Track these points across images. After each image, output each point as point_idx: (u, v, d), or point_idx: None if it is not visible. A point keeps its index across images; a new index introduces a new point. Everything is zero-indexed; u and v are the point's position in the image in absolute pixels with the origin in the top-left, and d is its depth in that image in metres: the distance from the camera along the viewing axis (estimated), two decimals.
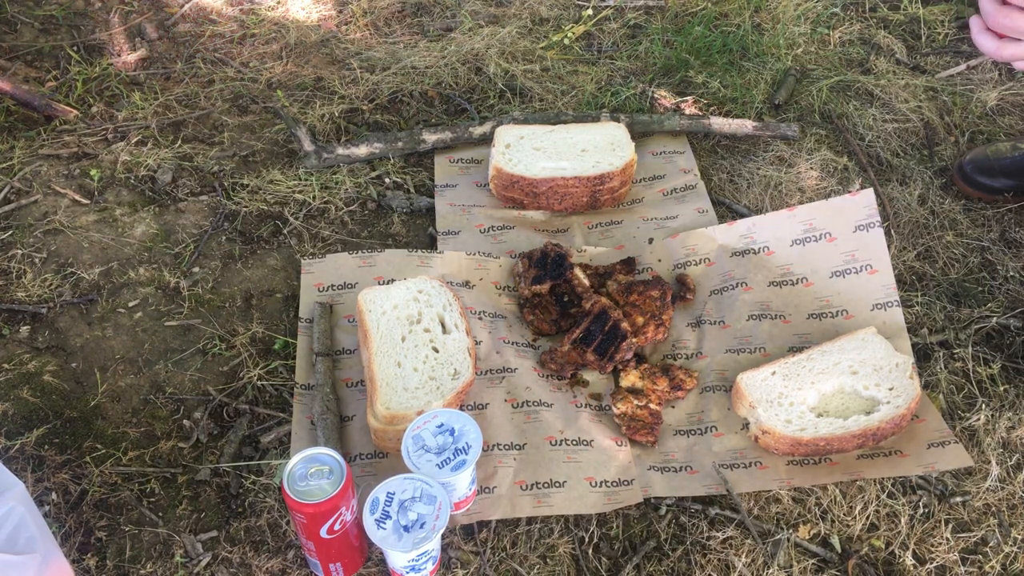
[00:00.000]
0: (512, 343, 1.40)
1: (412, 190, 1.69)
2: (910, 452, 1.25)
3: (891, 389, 1.28)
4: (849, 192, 1.57)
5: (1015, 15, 0.95)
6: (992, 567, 1.15)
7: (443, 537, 1.15)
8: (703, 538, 1.18)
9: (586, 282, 1.47)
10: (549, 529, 1.19)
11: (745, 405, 1.29)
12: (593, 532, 1.19)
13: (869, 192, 1.46)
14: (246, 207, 1.64)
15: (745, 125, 1.78)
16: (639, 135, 1.77)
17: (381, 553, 1.13)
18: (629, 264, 1.52)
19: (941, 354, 1.38)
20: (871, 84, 1.90)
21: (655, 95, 1.90)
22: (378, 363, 1.29)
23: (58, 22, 2.08)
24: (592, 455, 1.26)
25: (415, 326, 1.34)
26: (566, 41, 2.06)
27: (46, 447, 1.27)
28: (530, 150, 1.65)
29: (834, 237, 1.46)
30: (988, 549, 1.17)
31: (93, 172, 1.68)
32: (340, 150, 1.72)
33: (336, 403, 1.31)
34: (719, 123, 1.78)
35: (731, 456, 1.26)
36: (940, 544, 1.17)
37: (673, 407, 1.34)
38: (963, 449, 1.24)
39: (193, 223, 1.61)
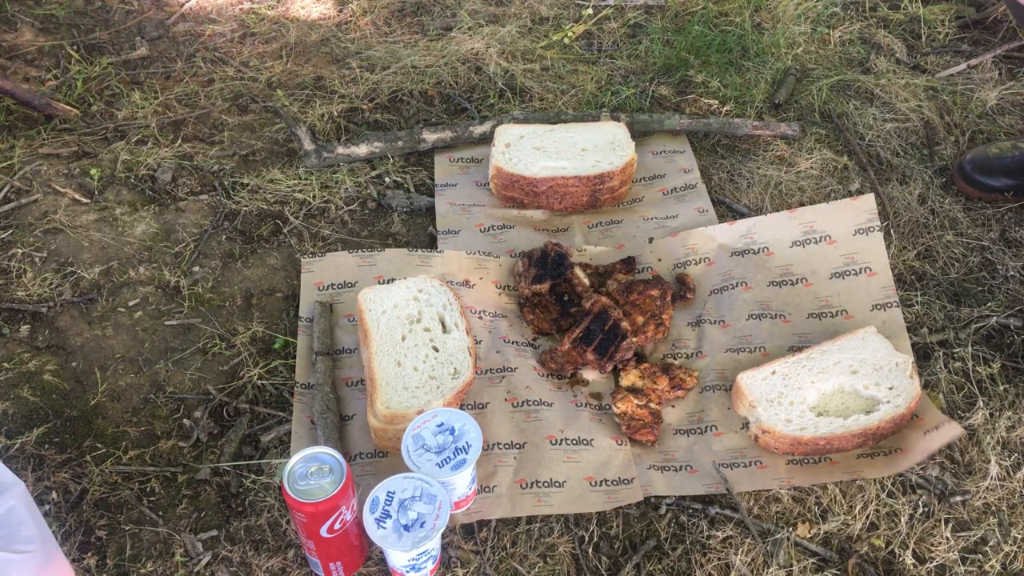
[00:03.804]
0: (512, 342, 1.40)
1: (412, 189, 1.69)
2: (909, 447, 1.25)
3: (891, 388, 1.28)
4: (850, 195, 1.57)
5: None
6: (992, 566, 1.15)
7: (443, 536, 1.15)
8: (703, 537, 1.18)
9: (586, 281, 1.47)
10: (549, 528, 1.19)
11: (745, 404, 1.29)
12: (593, 531, 1.19)
13: (869, 197, 1.47)
14: (246, 206, 1.64)
15: (745, 124, 1.78)
16: (639, 134, 1.77)
17: (381, 552, 1.13)
18: (629, 263, 1.52)
19: (941, 354, 1.38)
20: (871, 84, 1.90)
21: (655, 94, 1.90)
22: (378, 362, 1.29)
23: (58, 22, 2.08)
24: (592, 454, 1.26)
25: (415, 325, 1.34)
26: (566, 40, 2.06)
27: (46, 446, 1.27)
28: (530, 149, 1.65)
29: (834, 239, 1.47)
30: (988, 548, 1.17)
31: (93, 171, 1.68)
32: (340, 149, 1.72)
33: (336, 402, 1.31)
34: (719, 123, 1.78)
35: (731, 455, 1.26)
36: (940, 543, 1.17)
37: (673, 406, 1.34)
38: (955, 423, 1.24)
39: (193, 222, 1.61)
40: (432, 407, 1.22)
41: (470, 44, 2.01)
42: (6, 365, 1.37)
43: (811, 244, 1.48)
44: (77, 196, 1.64)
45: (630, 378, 1.34)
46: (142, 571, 1.14)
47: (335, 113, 1.84)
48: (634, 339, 1.37)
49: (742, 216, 1.61)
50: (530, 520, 1.20)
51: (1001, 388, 1.34)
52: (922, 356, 1.39)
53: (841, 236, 1.47)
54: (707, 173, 1.72)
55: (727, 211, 1.65)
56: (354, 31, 2.10)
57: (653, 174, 1.72)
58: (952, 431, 1.23)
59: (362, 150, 1.73)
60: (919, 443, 1.24)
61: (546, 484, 1.22)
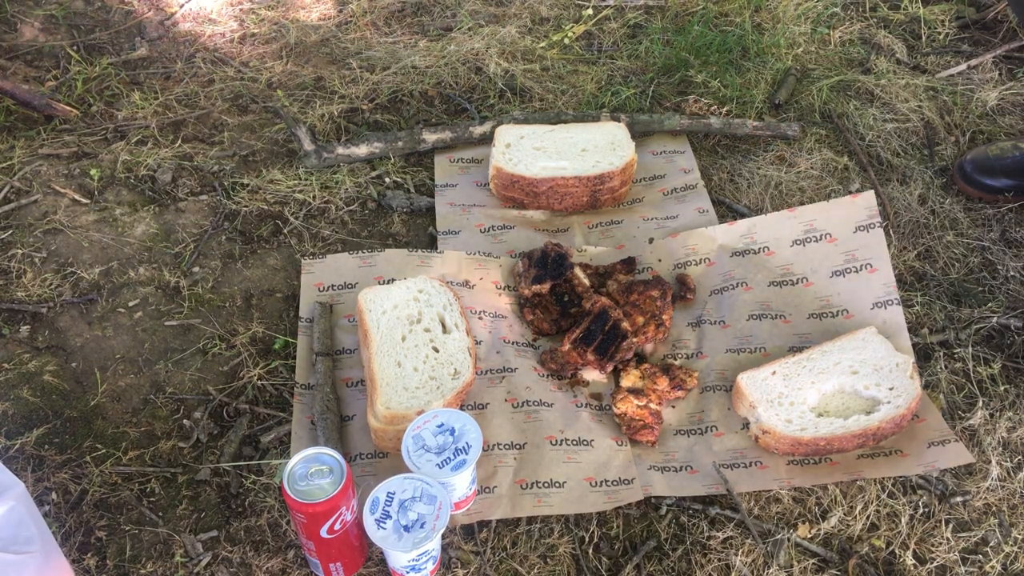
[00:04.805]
0: (512, 343, 1.40)
1: (412, 190, 1.69)
2: (910, 452, 1.25)
3: (891, 389, 1.28)
4: (850, 193, 1.57)
5: None
6: (992, 567, 1.15)
7: (443, 537, 1.15)
8: (703, 538, 1.18)
9: (586, 282, 1.47)
10: (549, 529, 1.19)
11: (745, 405, 1.29)
12: (593, 532, 1.19)
13: (870, 194, 1.47)
14: (246, 207, 1.64)
15: (745, 125, 1.78)
16: (639, 135, 1.76)
17: (381, 553, 1.13)
18: (629, 264, 1.52)
19: (941, 354, 1.38)
20: (871, 84, 1.90)
21: (655, 94, 1.90)
22: (378, 363, 1.29)
23: (58, 22, 2.08)
24: (592, 455, 1.26)
25: (415, 326, 1.34)
26: (566, 41, 2.06)
27: (46, 447, 1.27)
28: (530, 150, 1.65)
29: (834, 238, 1.46)
30: (988, 549, 1.17)
31: (93, 172, 1.68)
32: (340, 150, 1.72)
33: (336, 403, 1.31)
34: (719, 123, 1.78)
35: (731, 456, 1.26)
36: (940, 544, 1.17)
37: (673, 407, 1.34)
38: (963, 447, 1.24)
39: (193, 223, 1.61)
40: (432, 408, 1.22)
41: (470, 44, 2.01)
42: (6, 365, 1.37)
43: (811, 243, 1.47)
44: (77, 196, 1.64)
45: (630, 378, 1.34)
46: (142, 572, 1.14)
47: (335, 113, 1.84)
48: (634, 339, 1.37)
49: (742, 216, 1.61)
50: (530, 521, 1.20)
51: (1001, 388, 1.34)
52: (923, 356, 1.39)
53: (841, 234, 1.46)
54: (707, 173, 1.72)
55: (727, 211, 1.65)
56: (354, 31, 2.10)
57: (653, 174, 1.72)
58: (960, 456, 1.22)
59: (362, 150, 1.73)
60: (922, 453, 1.24)
61: (546, 484, 1.22)
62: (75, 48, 2.00)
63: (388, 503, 1.06)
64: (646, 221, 1.62)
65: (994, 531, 1.18)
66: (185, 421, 1.31)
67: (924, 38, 2.06)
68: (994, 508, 1.21)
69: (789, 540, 1.17)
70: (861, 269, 1.43)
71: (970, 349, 1.39)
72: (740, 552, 1.15)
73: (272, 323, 1.44)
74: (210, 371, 1.38)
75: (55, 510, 1.19)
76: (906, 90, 1.88)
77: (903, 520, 1.19)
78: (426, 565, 1.09)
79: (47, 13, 2.10)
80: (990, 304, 1.47)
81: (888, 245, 1.54)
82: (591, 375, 1.38)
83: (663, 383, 1.33)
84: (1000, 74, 1.94)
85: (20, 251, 1.53)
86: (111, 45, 2.04)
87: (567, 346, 1.37)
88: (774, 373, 1.30)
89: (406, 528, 1.04)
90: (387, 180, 1.71)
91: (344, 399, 1.33)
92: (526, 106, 1.88)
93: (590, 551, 1.18)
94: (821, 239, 1.47)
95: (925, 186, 1.68)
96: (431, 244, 1.59)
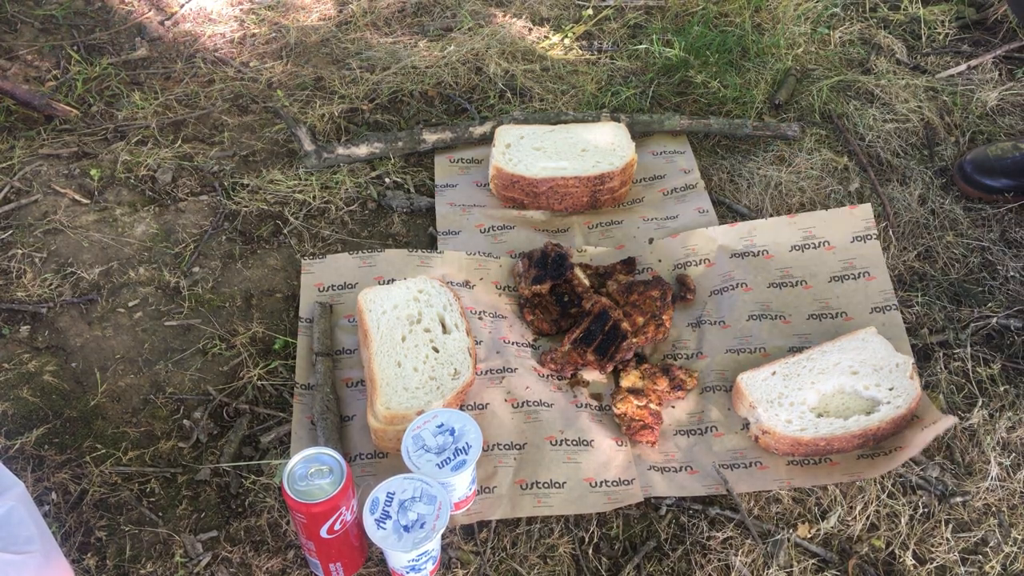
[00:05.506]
0: (512, 343, 1.40)
1: (412, 190, 1.69)
2: (907, 444, 1.24)
3: (891, 389, 1.28)
4: (849, 196, 1.57)
5: None
6: (992, 567, 1.15)
7: (443, 537, 1.15)
8: (703, 538, 1.18)
9: (586, 282, 1.47)
10: (549, 529, 1.19)
11: (745, 405, 1.29)
12: (593, 532, 1.19)
13: (867, 206, 1.48)
14: (246, 207, 1.64)
15: (745, 125, 1.78)
16: (639, 135, 1.76)
17: (381, 553, 1.13)
18: (629, 264, 1.52)
19: (941, 354, 1.38)
20: (871, 84, 1.90)
21: (655, 95, 1.90)
22: (378, 363, 1.29)
23: (58, 22, 2.08)
24: (592, 455, 1.26)
25: (415, 326, 1.34)
26: (566, 41, 2.06)
27: (46, 447, 1.27)
28: (530, 150, 1.65)
29: (832, 245, 1.48)
30: (988, 549, 1.17)
31: (93, 172, 1.68)
32: (340, 150, 1.72)
33: (336, 403, 1.31)
34: (719, 123, 1.78)
35: (731, 456, 1.26)
36: (940, 544, 1.17)
37: (673, 407, 1.34)
38: (951, 417, 1.23)
39: (193, 223, 1.61)
40: (432, 408, 1.22)
41: (470, 44, 2.01)
42: (6, 365, 1.37)
43: (810, 249, 1.48)
44: (77, 196, 1.64)
45: (630, 379, 1.34)
46: (142, 572, 1.14)
47: (335, 113, 1.84)
48: (634, 340, 1.37)
49: (742, 216, 1.61)
50: (530, 521, 1.20)
51: (1001, 389, 1.34)
52: (922, 357, 1.39)
53: (839, 242, 1.48)
54: (707, 173, 1.72)
55: (727, 212, 1.65)
56: (354, 32, 2.10)
57: (653, 175, 1.72)
58: (945, 422, 1.23)
59: (362, 151, 1.73)
60: (916, 438, 1.24)
61: (546, 485, 1.22)
62: (75, 48, 2.00)
63: (388, 503, 1.06)
64: (646, 221, 1.62)
65: (994, 531, 1.19)
66: (185, 421, 1.31)
67: (924, 38, 2.06)
68: (994, 508, 1.21)
69: (789, 540, 1.17)
70: (859, 276, 1.44)
71: (969, 349, 1.39)
72: (740, 552, 1.15)
73: (272, 323, 1.45)
74: (210, 371, 1.38)
75: (55, 510, 1.19)
76: (906, 90, 1.88)
77: (903, 520, 1.19)
78: (426, 565, 1.09)
79: (47, 13, 2.10)
80: (990, 304, 1.47)
81: (888, 245, 1.55)
82: (591, 375, 1.38)
83: (663, 383, 1.33)
84: (1000, 74, 1.94)
85: (20, 251, 1.53)
86: (111, 45, 2.04)
87: (567, 346, 1.37)
88: (774, 373, 1.30)
89: (406, 528, 1.04)
90: (387, 180, 1.71)
91: (344, 399, 1.33)
92: (526, 106, 1.88)
93: (590, 551, 1.18)
94: (819, 246, 1.48)
95: (925, 186, 1.68)
96: (431, 244, 1.59)
